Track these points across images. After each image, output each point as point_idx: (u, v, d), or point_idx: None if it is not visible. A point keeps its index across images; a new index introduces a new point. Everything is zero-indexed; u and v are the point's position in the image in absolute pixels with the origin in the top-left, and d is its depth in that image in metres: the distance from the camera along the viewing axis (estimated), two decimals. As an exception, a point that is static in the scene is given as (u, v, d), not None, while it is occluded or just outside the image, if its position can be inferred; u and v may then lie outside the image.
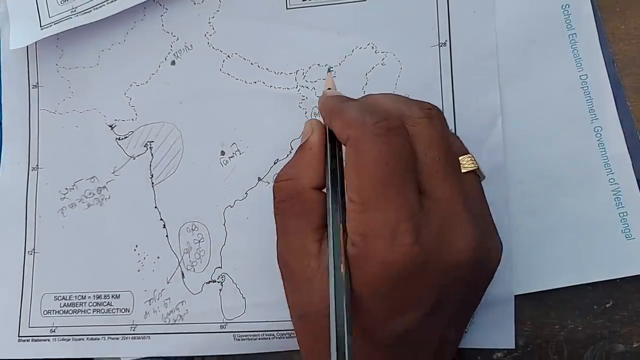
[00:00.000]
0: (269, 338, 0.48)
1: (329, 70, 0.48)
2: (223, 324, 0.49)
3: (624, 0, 0.46)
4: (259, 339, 0.49)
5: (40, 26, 0.51)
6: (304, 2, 0.49)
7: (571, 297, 0.45)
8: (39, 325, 0.52)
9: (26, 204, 0.53)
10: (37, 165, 0.53)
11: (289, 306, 0.38)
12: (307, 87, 0.49)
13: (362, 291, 0.32)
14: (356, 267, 0.32)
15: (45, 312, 0.52)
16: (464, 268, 0.32)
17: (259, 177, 0.49)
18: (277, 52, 0.49)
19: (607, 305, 0.45)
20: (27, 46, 0.53)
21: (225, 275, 0.49)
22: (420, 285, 0.32)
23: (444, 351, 0.36)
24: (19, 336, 0.52)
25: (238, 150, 0.49)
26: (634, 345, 0.45)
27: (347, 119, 0.33)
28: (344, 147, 0.35)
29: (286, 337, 0.48)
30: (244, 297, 0.49)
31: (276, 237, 0.38)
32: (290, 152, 0.49)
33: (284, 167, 0.38)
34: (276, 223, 0.38)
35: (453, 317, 0.35)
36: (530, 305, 0.46)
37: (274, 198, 0.37)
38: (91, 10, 0.50)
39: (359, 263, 0.32)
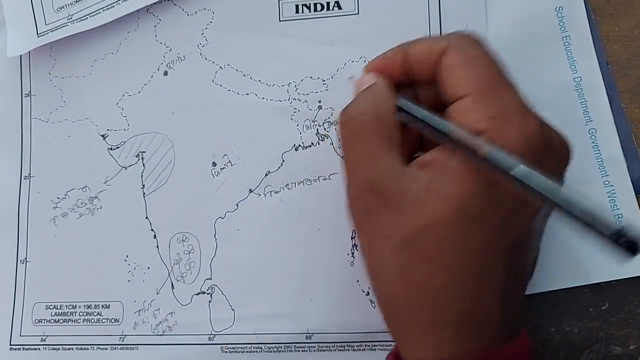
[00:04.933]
0: (257, 351, 0.47)
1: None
2: (211, 336, 0.48)
3: (618, 2, 0.46)
4: (247, 352, 0.47)
5: (37, 33, 0.52)
6: (297, 14, 0.49)
7: (567, 299, 0.44)
8: (30, 334, 0.52)
9: (18, 213, 0.53)
10: (29, 174, 0.53)
11: (368, 241, 0.36)
12: (299, 100, 0.48)
13: None
14: None
15: (36, 321, 0.51)
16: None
17: (250, 189, 0.49)
18: (269, 64, 0.49)
19: (603, 308, 0.44)
20: (20, 55, 0.53)
21: (215, 286, 0.48)
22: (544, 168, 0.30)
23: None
24: (10, 345, 0.52)
25: (230, 161, 0.49)
26: (631, 348, 0.44)
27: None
28: None
29: (274, 351, 0.47)
30: (233, 309, 0.48)
31: (346, 171, 0.37)
32: (282, 164, 0.48)
33: (351, 102, 0.37)
34: (351, 153, 0.36)
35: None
36: (525, 308, 0.45)
37: (348, 126, 0.36)
38: (87, 18, 0.51)
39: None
